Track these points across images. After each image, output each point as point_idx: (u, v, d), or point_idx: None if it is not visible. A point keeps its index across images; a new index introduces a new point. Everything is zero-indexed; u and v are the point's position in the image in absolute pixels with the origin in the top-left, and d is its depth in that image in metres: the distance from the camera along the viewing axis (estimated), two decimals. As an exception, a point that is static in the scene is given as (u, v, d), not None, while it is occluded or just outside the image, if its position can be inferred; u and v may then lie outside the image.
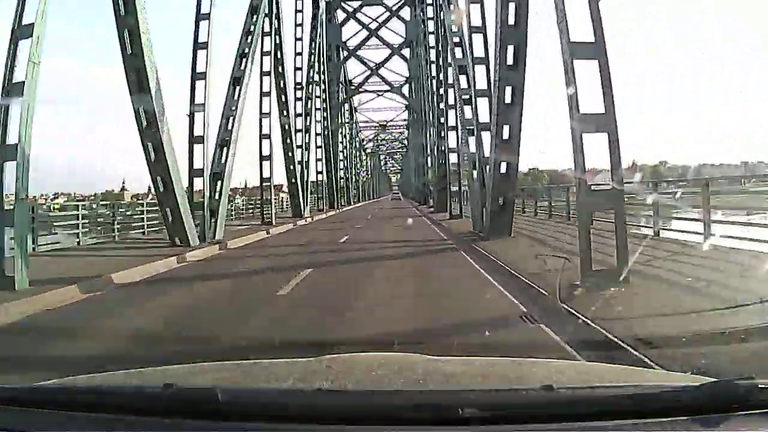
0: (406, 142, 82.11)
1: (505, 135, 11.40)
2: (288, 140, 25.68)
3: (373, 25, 44.06)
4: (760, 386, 1.27)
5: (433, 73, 30.48)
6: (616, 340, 4.10)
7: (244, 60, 16.58)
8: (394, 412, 1.31)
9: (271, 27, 22.64)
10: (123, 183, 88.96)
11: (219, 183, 14.76)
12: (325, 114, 37.85)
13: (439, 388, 1.59)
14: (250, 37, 17.12)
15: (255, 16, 17.50)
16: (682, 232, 10.52)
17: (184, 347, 4.80)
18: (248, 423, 1.31)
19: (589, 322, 4.67)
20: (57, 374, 2.20)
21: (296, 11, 31.42)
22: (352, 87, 50.66)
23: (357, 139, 73.79)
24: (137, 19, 10.89)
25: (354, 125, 67.62)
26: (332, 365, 1.88)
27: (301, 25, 31.75)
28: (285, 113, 25.38)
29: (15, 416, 1.39)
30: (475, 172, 14.18)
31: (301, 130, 29.40)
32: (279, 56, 24.68)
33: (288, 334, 5.14)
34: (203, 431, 1.33)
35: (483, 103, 13.58)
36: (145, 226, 17.57)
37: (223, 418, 1.31)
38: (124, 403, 1.41)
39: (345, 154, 52.44)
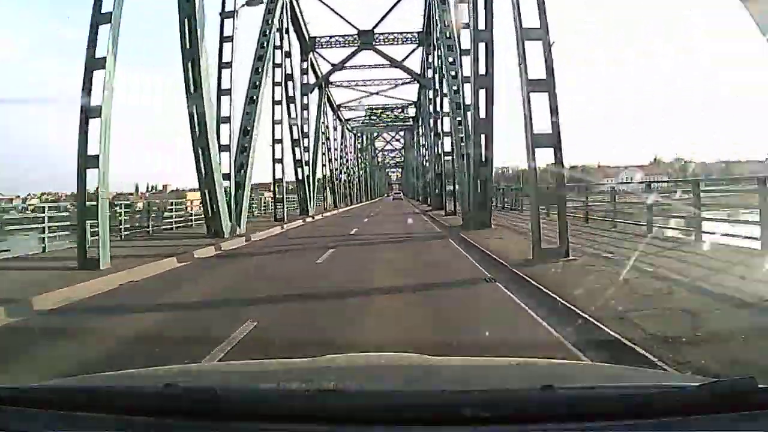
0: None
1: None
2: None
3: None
4: (760, 386, 1.27)
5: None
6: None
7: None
8: (394, 412, 1.31)
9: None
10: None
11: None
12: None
13: (439, 388, 1.59)
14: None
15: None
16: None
17: None
18: (248, 423, 1.31)
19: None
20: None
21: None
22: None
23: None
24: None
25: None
26: (332, 365, 1.88)
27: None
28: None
29: (15, 416, 1.39)
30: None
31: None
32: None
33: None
34: (203, 431, 1.33)
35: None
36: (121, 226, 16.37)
37: (223, 418, 1.31)
38: (124, 403, 1.41)
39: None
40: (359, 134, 63.54)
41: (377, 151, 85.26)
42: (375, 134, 71.28)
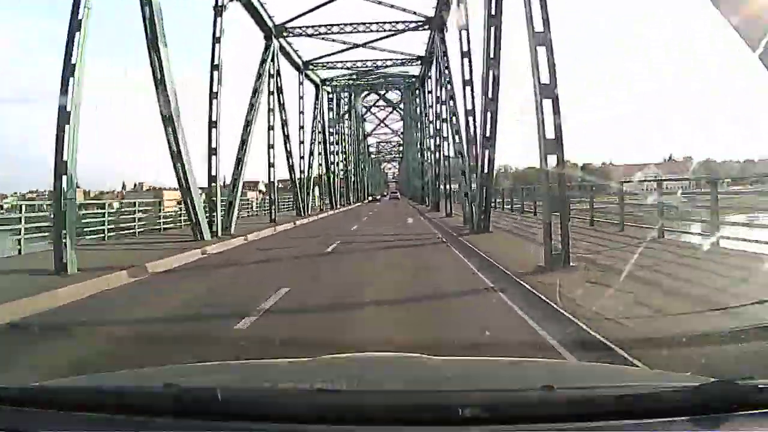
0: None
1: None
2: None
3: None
4: (760, 386, 1.27)
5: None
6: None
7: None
8: (394, 412, 1.31)
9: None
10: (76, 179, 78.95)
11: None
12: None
13: (439, 388, 1.59)
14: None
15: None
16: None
17: None
18: (248, 423, 1.31)
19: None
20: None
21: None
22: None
23: (366, 153, 60.69)
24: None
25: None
26: (332, 365, 1.88)
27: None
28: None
29: (15, 416, 1.39)
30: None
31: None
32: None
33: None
34: (203, 431, 1.33)
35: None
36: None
37: (223, 418, 1.31)
38: (124, 403, 1.41)
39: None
40: (335, 93, 41.75)
41: (366, 134, 61.76)
42: (364, 98, 46.70)
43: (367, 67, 32.91)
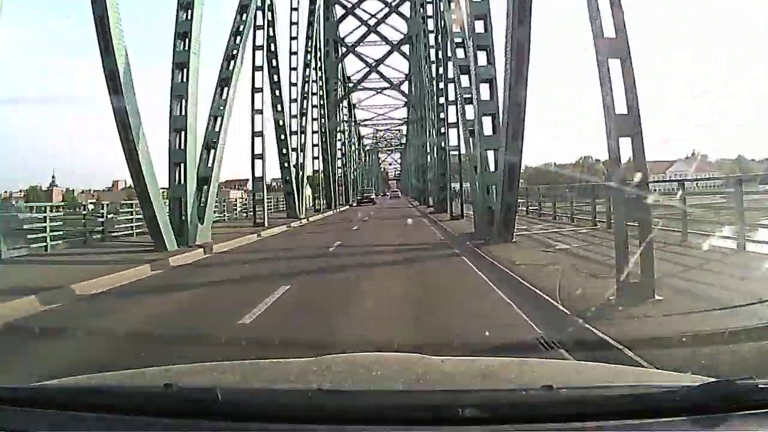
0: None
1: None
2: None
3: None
4: (760, 386, 1.27)
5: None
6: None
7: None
8: (394, 412, 1.31)
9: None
10: (53, 178, 69.81)
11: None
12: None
13: (439, 388, 1.59)
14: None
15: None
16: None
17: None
18: (248, 423, 1.31)
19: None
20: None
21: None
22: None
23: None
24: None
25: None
26: (332, 365, 1.88)
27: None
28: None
29: (15, 416, 1.39)
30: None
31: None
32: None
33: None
34: (203, 431, 1.33)
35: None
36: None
37: (223, 418, 1.31)
38: (124, 403, 1.42)
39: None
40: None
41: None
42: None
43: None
